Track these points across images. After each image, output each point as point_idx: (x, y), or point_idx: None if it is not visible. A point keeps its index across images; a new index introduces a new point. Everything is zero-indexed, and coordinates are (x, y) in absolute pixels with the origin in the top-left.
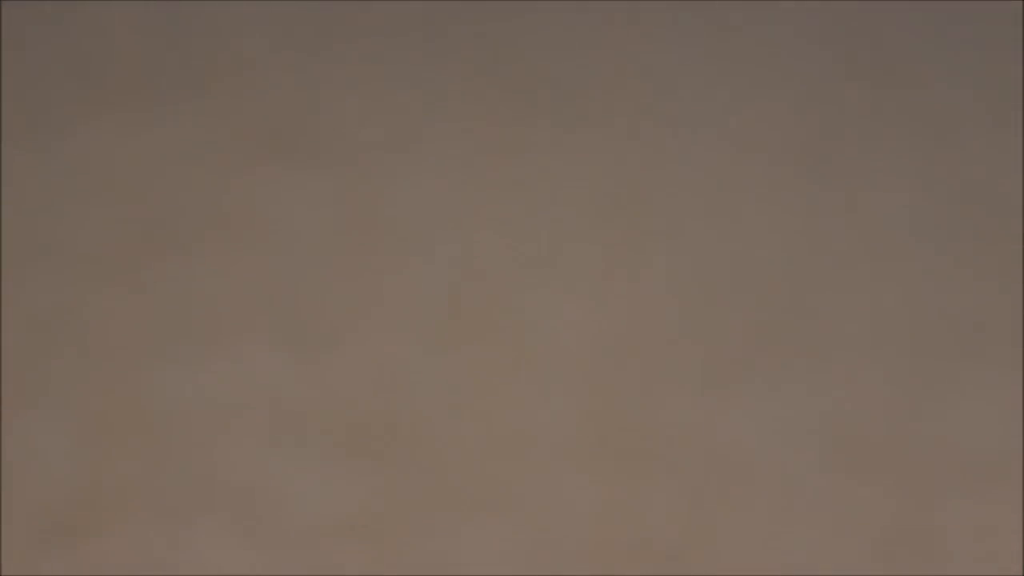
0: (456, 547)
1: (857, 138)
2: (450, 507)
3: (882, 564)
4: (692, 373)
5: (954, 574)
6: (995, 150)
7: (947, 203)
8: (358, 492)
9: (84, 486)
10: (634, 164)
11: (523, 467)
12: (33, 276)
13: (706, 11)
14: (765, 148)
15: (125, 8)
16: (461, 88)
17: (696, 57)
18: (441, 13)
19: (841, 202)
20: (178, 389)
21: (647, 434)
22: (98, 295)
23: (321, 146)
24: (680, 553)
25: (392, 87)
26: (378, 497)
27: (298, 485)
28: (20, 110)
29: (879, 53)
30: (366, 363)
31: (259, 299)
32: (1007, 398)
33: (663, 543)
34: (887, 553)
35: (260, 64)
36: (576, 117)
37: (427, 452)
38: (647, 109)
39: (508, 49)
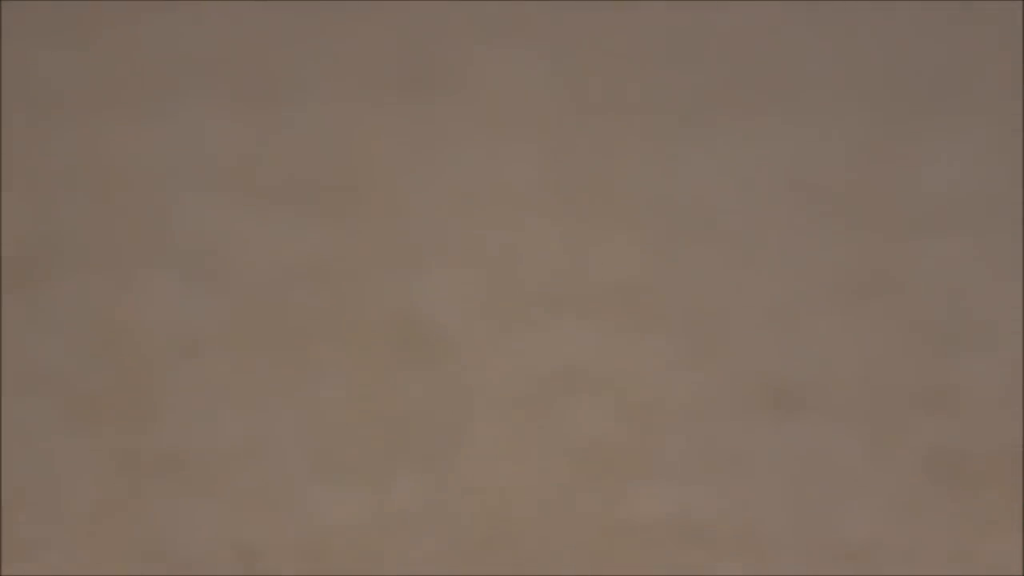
0: (418, 292)
1: None
2: (408, 255)
3: (844, 304)
4: (656, 121)
5: (921, 309)
6: None
7: None
8: (314, 242)
9: (37, 237)
10: None
11: (483, 216)
12: None
13: None
14: None
15: None
16: None
17: None
18: None
19: None
20: (131, 144)
21: (610, 182)
22: (52, 53)
23: None
24: (643, 295)
25: None
26: (336, 246)
27: (253, 236)
28: None
29: None
30: (323, 118)
31: (213, 57)
32: (972, 143)
33: (627, 288)
34: (852, 293)
35: None
36: None
37: (384, 203)
38: None
39: None
